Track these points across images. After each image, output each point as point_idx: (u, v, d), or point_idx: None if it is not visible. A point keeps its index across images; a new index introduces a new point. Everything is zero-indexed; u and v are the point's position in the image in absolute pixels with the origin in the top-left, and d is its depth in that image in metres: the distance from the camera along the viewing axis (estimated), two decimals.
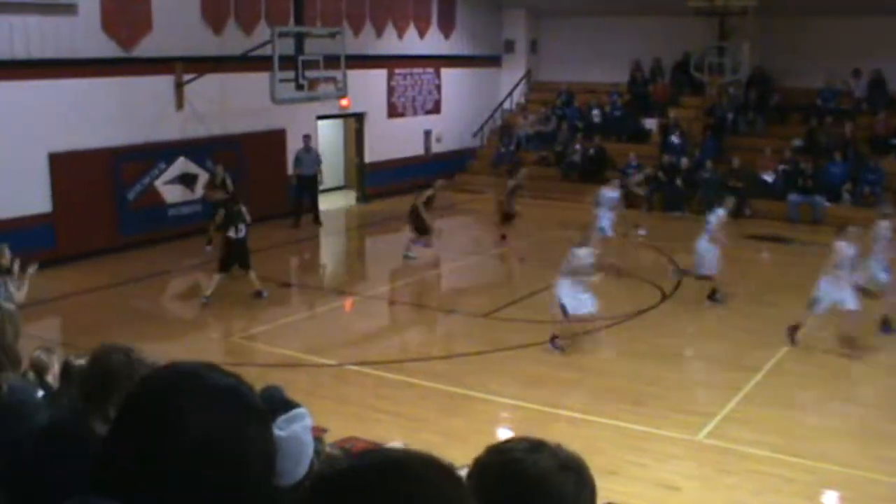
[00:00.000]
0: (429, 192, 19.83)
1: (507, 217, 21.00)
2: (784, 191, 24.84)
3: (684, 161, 25.91)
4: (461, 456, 2.06)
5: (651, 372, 12.77)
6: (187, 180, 21.29)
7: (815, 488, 9.59)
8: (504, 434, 11.07)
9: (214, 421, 1.75)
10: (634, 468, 9.69)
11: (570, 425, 10.86)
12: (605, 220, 19.64)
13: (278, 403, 2.87)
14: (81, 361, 5.28)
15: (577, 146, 27.95)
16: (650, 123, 28.59)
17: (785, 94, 27.78)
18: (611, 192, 20.36)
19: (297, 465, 2.76)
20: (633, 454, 10.08)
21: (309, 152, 23.25)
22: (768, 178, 25.26)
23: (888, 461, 10.01)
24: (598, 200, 20.07)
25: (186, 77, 20.58)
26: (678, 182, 25.58)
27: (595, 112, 29.31)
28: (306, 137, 23.16)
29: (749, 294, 17.08)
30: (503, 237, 21.19)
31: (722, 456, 10.14)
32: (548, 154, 28.52)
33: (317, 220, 23.63)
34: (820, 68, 26.75)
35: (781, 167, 25.28)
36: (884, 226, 15.38)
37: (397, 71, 27.62)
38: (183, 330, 15.50)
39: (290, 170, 23.37)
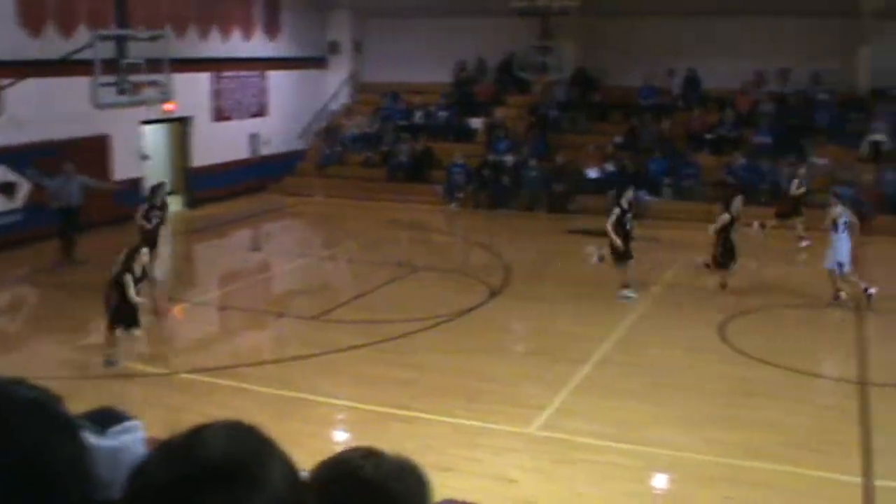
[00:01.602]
0: None
1: None
2: (608, 186, 25.57)
3: (509, 159, 26.38)
4: (298, 461, 2.04)
5: (483, 368, 12.91)
6: (6, 189, 20.43)
7: (647, 472, 9.91)
8: (340, 436, 11.06)
9: (18, 435, 1.70)
10: (470, 463, 9.78)
11: (405, 424, 10.88)
12: None
13: (109, 416, 2.79)
14: None
15: (403, 146, 28.11)
16: (475, 123, 28.94)
17: (607, 93, 28.59)
18: None
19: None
20: (468, 450, 10.16)
21: (71, 180, 19.25)
22: (593, 174, 25.94)
23: (715, 442, 10.42)
24: None
25: (4, 82, 19.75)
26: (504, 180, 26.02)
27: (420, 112, 29.52)
28: (64, 163, 19.49)
29: (572, 287, 17.52)
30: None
31: (556, 447, 10.32)
32: (373, 155, 28.55)
33: (70, 258, 19.08)
34: (640, 67, 27.64)
35: (606, 164, 26.01)
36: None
37: (223, 74, 27.20)
38: (14, 344, 14.85)
39: (51, 202, 19.43)
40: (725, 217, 16.95)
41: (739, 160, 25.54)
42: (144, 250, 13.42)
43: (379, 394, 11.89)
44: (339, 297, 16.95)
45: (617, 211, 16.77)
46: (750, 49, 27.27)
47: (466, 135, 28.72)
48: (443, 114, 29.29)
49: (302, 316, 15.88)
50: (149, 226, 16.65)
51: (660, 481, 9.95)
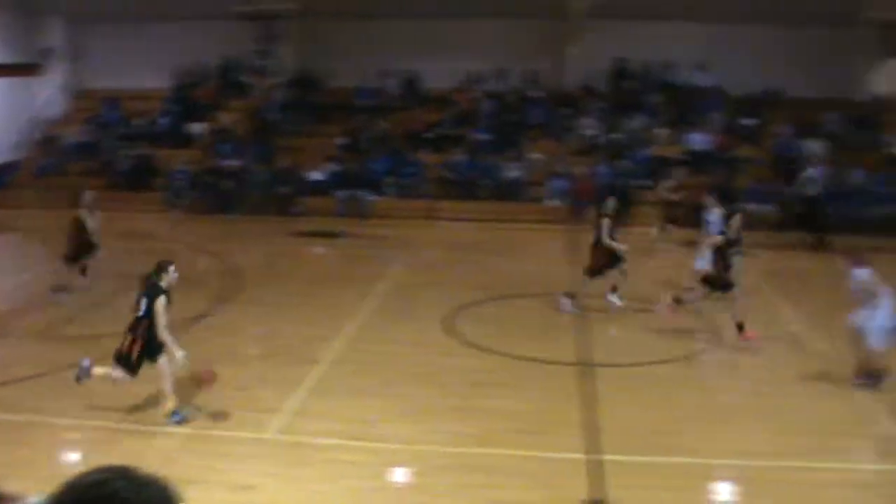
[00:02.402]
0: None
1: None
2: (332, 187, 25.92)
3: (233, 164, 26.28)
4: (32, 487, 2.13)
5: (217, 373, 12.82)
6: None
7: (384, 467, 10.09)
8: (75, 457, 10.74)
9: None
10: (209, 473, 9.64)
11: (142, 439, 10.64)
12: None
13: None
14: None
15: (123, 155, 27.41)
16: (197, 128, 28.57)
17: (328, 94, 28.89)
18: None
19: None
20: (206, 459, 10.01)
21: None
22: (317, 176, 26.21)
23: (448, 433, 10.83)
24: None
25: None
26: (228, 185, 25.89)
27: (141, 119, 28.88)
28: None
29: (301, 288, 17.72)
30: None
31: (294, 450, 10.38)
32: (93, 164, 27.62)
33: None
34: (360, 69, 28.10)
35: (329, 165, 26.34)
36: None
37: None
38: None
39: None
40: (717, 239, 15.58)
41: (459, 157, 26.50)
42: None
43: (111, 410, 11.56)
44: (63, 312, 16.39)
45: (607, 222, 16.58)
46: (467, 50, 28.31)
47: (188, 140, 28.32)
48: (164, 120, 28.76)
49: (26, 334, 15.24)
50: None
51: (397, 475, 10.17)
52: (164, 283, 11.15)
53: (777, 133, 27.22)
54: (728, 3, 26.41)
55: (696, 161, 26.06)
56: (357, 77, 28.43)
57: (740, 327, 14.52)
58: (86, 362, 11.56)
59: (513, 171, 26.26)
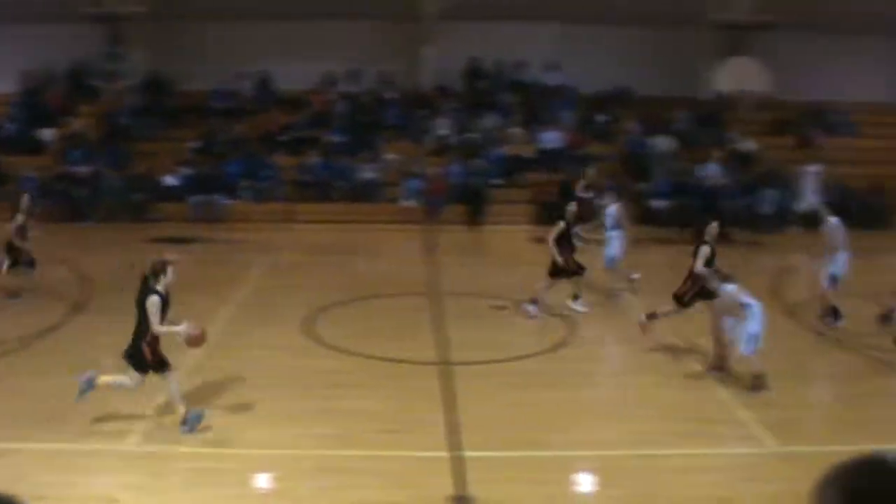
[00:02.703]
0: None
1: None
2: (186, 192, 25.56)
3: (84, 170, 25.68)
4: None
5: (72, 388, 12.52)
6: None
7: (246, 474, 10.08)
8: None
9: None
10: (67, 488, 9.44)
11: None
12: None
13: None
14: None
15: None
16: (47, 134, 27.76)
17: (181, 97, 28.43)
18: None
19: None
20: (63, 474, 9.78)
21: None
22: (171, 181, 25.81)
23: (310, 436, 10.90)
24: None
25: None
26: (81, 192, 25.29)
27: None
28: None
29: None
30: None
31: (155, 460, 10.25)
32: None
33: None
34: (212, 71, 27.76)
35: (183, 169, 25.97)
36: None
37: None
38: None
39: None
40: (705, 249, 14.79)
41: (314, 159, 26.45)
42: None
43: None
44: None
45: (561, 225, 16.50)
46: (322, 51, 28.23)
47: (38, 147, 27.48)
48: (11, 126, 27.85)
49: None
50: None
51: (260, 481, 10.13)
52: (159, 286, 11.03)
53: (627, 130, 27.95)
54: (579, 3, 26.98)
55: (549, 159, 26.58)
56: (211, 80, 28.08)
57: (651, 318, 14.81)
58: (88, 374, 11.39)
59: (368, 173, 26.35)
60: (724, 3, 26.24)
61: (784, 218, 25.64)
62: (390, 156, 26.87)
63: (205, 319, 14.78)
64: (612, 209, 18.38)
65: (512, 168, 26.48)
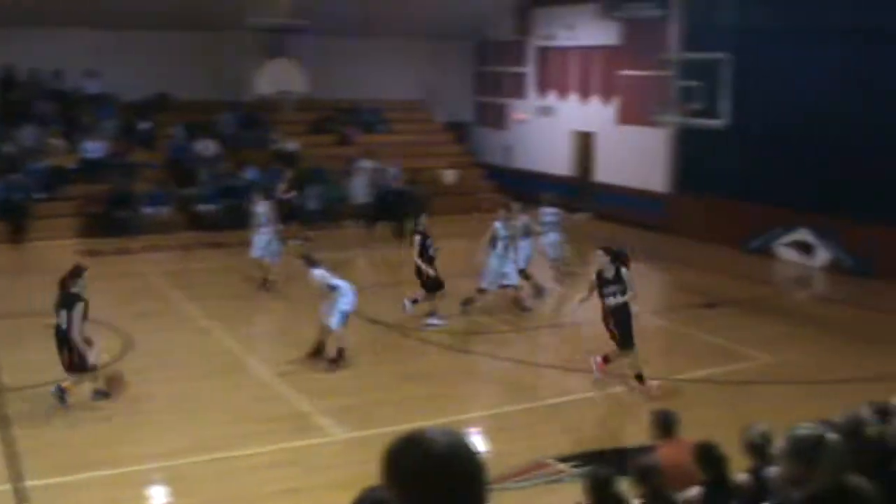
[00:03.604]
0: None
1: None
2: None
3: None
4: None
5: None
6: None
7: None
8: None
9: None
10: None
11: None
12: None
13: None
14: None
15: None
16: None
17: None
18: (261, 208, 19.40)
19: None
20: None
21: None
22: None
23: None
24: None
25: None
26: None
27: None
28: None
29: None
30: None
31: None
32: None
33: None
34: None
35: None
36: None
37: None
38: None
39: None
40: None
41: None
42: None
43: None
44: None
45: (418, 239, 16.04)
46: None
47: None
48: None
49: None
50: None
51: None
52: (78, 289, 11.92)
53: (170, 136, 27.79)
54: (115, 10, 26.27)
55: (93, 169, 25.83)
56: None
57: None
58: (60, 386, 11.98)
59: None
60: (261, 7, 26.70)
61: (331, 213, 26.69)
62: None
63: None
64: (262, 207, 19.28)
65: (54, 181, 25.44)
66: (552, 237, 19.59)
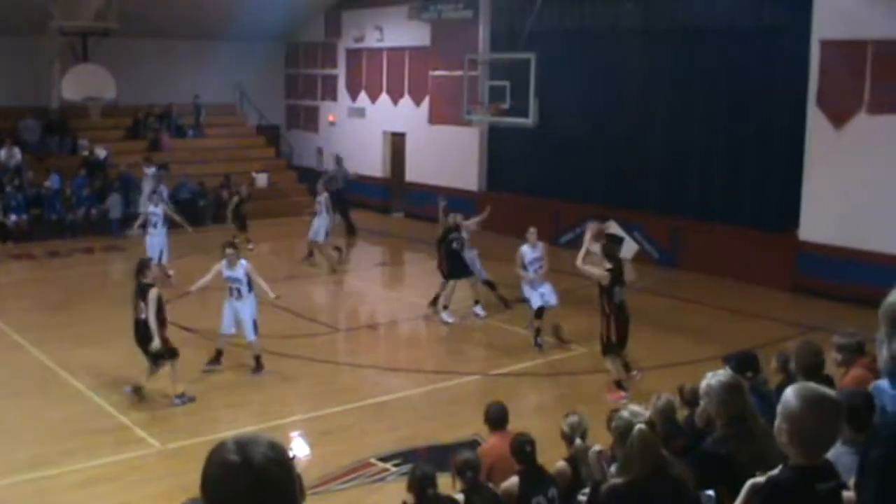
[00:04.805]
0: None
1: None
2: None
3: None
4: None
5: None
6: None
7: None
8: None
9: None
10: None
11: None
12: None
13: None
14: None
15: None
16: None
17: None
18: None
19: None
20: None
21: None
22: None
23: None
24: None
25: None
26: None
27: None
28: None
29: None
30: None
31: None
32: None
33: None
34: None
35: None
36: None
37: None
38: None
39: None
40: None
41: None
42: None
43: None
44: None
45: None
46: None
47: None
48: None
49: None
50: None
51: None
52: (149, 280, 12.88)
53: None
54: None
55: None
56: None
57: None
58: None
59: None
60: (68, 11, 25.89)
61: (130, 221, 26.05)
62: None
63: None
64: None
65: None
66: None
